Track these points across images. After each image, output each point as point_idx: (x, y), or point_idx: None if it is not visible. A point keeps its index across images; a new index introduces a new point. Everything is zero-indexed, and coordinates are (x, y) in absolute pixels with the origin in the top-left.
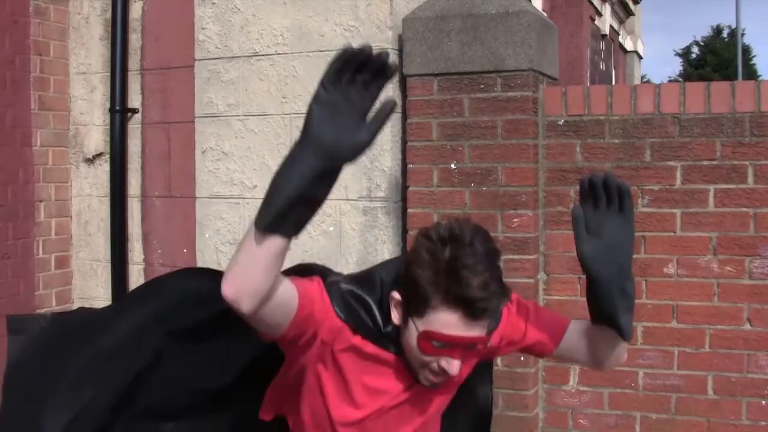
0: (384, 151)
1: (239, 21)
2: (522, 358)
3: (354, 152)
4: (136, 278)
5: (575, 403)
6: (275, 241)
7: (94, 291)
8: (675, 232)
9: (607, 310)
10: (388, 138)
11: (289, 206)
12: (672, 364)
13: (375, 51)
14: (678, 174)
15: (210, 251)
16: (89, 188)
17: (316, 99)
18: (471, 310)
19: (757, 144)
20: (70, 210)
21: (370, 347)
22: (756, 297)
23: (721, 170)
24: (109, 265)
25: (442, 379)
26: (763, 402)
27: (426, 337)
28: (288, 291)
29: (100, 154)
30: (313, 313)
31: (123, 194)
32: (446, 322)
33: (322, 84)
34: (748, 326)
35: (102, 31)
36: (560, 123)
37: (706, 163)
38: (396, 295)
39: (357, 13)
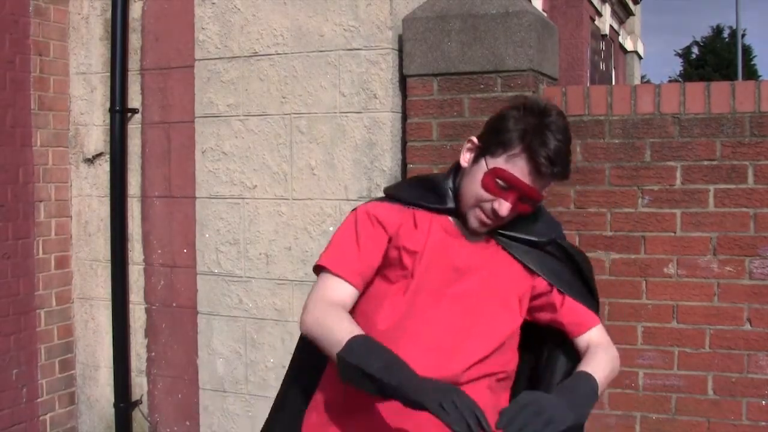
0: (384, 151)
1: (239, 21)
2: None
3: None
4: (136, 278)
5: None
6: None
7: (94, 291)
8: (675, 232)
9: None
10: (388, 138)
11: (363, 373)
12: (672, 364)
13: None
14: (678, 174)
15: (210, 251)
16: (89, 188)
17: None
18: (539, 165)
19: (757, 144)
20: (70, 210)
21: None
22: (756, 297)
23: (721, 170)
24: (109, 265)
25: (490, 223)
26: (763, 402)
27: (494, 173)
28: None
29: (100, 154)
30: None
31: (123, 194)
32: (516, 166)
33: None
34: (748, 326)
35: (102, 31)
36: None
37: (706, 163)
38: (474, 139)
39: (357, 13)
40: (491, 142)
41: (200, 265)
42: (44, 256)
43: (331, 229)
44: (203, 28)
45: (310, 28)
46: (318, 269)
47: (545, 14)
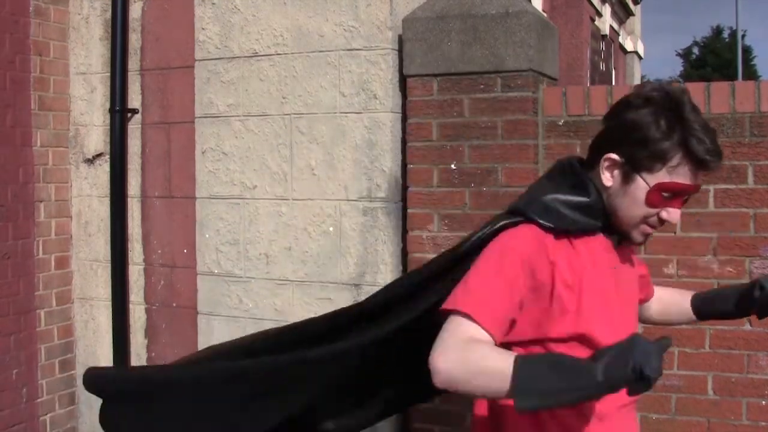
0: (384, 152)
1: (239, 21)
2: None
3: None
4: (136, 278)
5: None
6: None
7: (94, 291)
8: (675, 233)
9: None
10: (388, 138)
11: (552, 401)
12: (672, 364)
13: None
14: None
15: (210, 251)
16: (89, 188)
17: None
18: (706, 163)
19: (757, 144)
20: (70, 210)
21: (577, 240)
22: None
23: (721, 170)
24: (109, 265)
25: (653, 231)
26: (763, 402)
27: (659, 189)
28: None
29: (100, 155)
30: (506, 310)
31: (123, 194)
32: (679, 174)
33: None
34: (748, 326)
35: (102, 31)
36: (560, 123)
37: None
38: (613, 156)
39: (357, 13)
40: (641, 156)
41: (200, 266)
42: (44, 257)
43: (331, 229)
44: (203, 29)
45: (310, 28)
46: (450, 313)
47: (545, 14)
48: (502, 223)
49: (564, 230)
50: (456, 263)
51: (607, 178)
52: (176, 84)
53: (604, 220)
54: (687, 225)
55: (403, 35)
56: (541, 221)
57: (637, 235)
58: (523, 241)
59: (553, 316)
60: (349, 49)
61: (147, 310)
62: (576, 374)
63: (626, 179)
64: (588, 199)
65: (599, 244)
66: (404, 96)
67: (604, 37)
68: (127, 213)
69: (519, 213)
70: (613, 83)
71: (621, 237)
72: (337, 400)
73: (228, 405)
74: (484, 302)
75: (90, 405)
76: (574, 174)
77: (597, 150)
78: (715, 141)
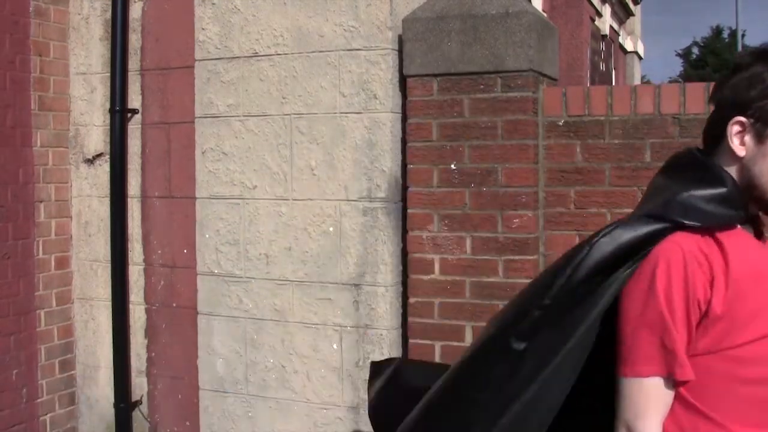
0: (384, 152)
1: (239, 21)
2: None
3: None
4: (136, 278)
5: None
6: None
7: (94, 291)
8: None
9: None
10: (388, 138)
11: None
12: None
13: None
14: None
15: (210, 251)
16: (89, 188)
17: None
18: None
19: None
20: (70, 210)
21: (722, 235)
22: None
23: None
24: (109, 265)
25: None
26: None
27: None
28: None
29: (100, 155)
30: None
31: (123, 194)
32: None
33: None
34: None
35: (102, 31)
36: (560, 123)
37: None
38: (741, 118)
39: (357, 13)
40: None
41: (200, 266)
42: (44, 257)
43: (331, 229)
44: (203, 29)
45: (310, 28)
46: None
47: (545, 15)
48: (649, 235)
49: (707, 230)
50: (601, 276)
51: (739, 147)
52: (176, 84)
53: (746, 210)
54: None
55: (403, 35)
56: (687, 222)
57: None
58: (677, 267)
59: (704, 330)
60: (349, 49)
61: (147, 310)
62: None
63: (761, 137)
64: (725, 189)
65: (740, 239)
66: (404, 96)
67: (604, 37)
68: (127, 213)
69: (658, 218)
70: (613, 83)
71: (760, 222)
72: None
73: None
74: (680, 356)
75: (90, 405)
76: (700, 165)
77: (717, 128)
78: None
